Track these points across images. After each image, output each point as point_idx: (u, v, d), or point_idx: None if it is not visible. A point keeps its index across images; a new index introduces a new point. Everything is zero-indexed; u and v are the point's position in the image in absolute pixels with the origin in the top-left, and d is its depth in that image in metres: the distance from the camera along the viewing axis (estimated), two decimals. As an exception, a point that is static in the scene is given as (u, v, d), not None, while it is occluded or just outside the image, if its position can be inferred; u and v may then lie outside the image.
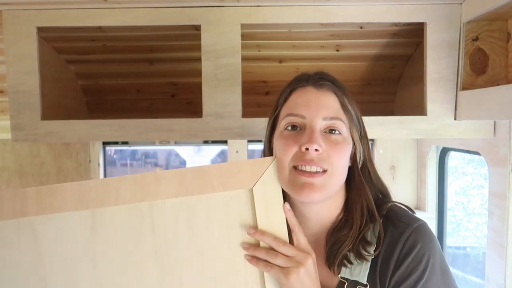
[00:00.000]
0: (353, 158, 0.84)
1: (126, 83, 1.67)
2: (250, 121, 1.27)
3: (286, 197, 0.86)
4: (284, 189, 0.82)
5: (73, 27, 1.28)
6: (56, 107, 1.41)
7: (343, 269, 0.81)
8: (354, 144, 0.83)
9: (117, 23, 1.26)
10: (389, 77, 1.64)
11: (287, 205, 0.79)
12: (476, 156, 1.45)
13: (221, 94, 1.27)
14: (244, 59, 1.29)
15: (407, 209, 0.87)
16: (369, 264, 0.80)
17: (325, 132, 0.80)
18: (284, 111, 0.84)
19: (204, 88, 1.27)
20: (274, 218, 0.79)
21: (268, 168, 0.80)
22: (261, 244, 0.79)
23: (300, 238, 0.78)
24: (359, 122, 0.85)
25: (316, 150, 0.77)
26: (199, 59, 1.27)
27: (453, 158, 1.89)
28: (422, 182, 1.91)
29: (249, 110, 1.33)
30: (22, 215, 0.77)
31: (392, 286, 0.77)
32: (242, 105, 1.28)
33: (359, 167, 0.85)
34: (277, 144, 0.83)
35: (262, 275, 0.79)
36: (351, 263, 0.80)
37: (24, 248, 0.78)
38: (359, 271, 0.80)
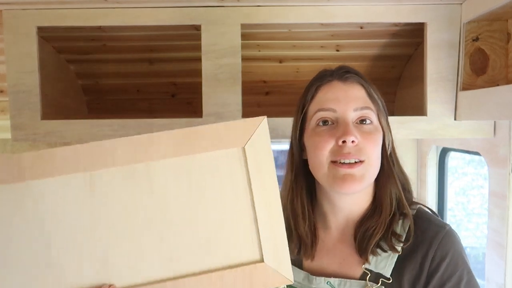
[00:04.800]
0: (382, 145, 0.86)
1: (126, 83, 1.67)
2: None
3: (318, 188, 0.88)
4: (323, 184, 0.83)
5: (73, 27, 1.28)
6: (56, 106, 1.41)
7: (367, 262, 0.82)
8: (383, 131, 0.85)
9: (117, 23, 1.26)
10: (389, 77, 1.63)
11: None
12: (476, 156, 1.45)
13: (221, 94, 1.27)
14: (244, 59, 1.29)
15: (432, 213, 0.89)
16: (395, 259, 0.80)
17: (356, 123, 0.82)
18: (313, 107, 0.85)
19: (204, 88, 1.27)
20: (266, 176, 0.82)
21: (259, 127, 0.82)
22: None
23: None
24: (385, 110, 0.87)
25: (353, 141, 0.78)
26: (199, 59, 1.27)
27: (453, 159, 1.89)
28: (422, 182, 1.91)
29: (249, 110, 1.33)
30: (19, 180, 0.79)
31: (433, 287, 0.77)
32: (242, 105, 1.28)
33: (388, 154, 0.86)
34: (310, 141, 0.84)
35: (256, 225, 0.82)
36: (384, 251, 0.81)
37: (25, 211, 0.80)
38: (384, 265, 0.80)
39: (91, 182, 0.80)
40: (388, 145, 0.86)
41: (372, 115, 0.82)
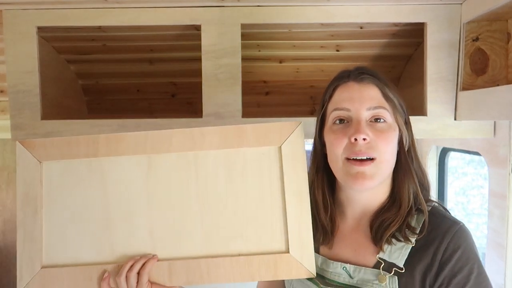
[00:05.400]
0: (399, 143, 0.88)
1: (126, 83, 1.67)
2: (250, 121, 1.27)
3: (336, 182, 0.93)
4: (338, 179, 0.89)
5: (73, 27, 1.28)
6: (56, 106, 1.41)
7: (381, 252, 0.84)
8: (399, 129, 0.88)
9: (117, 23, 1.26)
10: (389, 77, 1.63)
11: None
12: (476, 157, 1.45)
13: (221, 94, 1.27)
14: (244, 59, 1.29)
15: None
16: (408, 250, 0.83)
17: (371, 121, 0.85)
18: (330, 107, 0.90)
19: (204, 88, 1.27)
20: (298, 172, 0.92)
21: (295, 130, 0.93)
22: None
23: None
24: (402, 108, 0.90)
25: (364, 139, 0.82)
26: (199, 59, 1.27)
27: (453, 159, 1.90)
28: (422, 182, 1.91)
29: (249, 110, 1.33)
30: (94, 155, 0.93)
31: (444, 277, 0.79)
32: (242, 105, 1.28)
33: (405, 151, 0.89)
34: (328, 138, 0.89)
35: (285, 218, 0.92)
36: (398, 240, 0.84)
37: (93, 184, 0.94)
38: (398, 255, 0.83)
39: (149, 163, 0.94)
40: (406, 142, 0.89)
41: (386, 114, 0.85)
